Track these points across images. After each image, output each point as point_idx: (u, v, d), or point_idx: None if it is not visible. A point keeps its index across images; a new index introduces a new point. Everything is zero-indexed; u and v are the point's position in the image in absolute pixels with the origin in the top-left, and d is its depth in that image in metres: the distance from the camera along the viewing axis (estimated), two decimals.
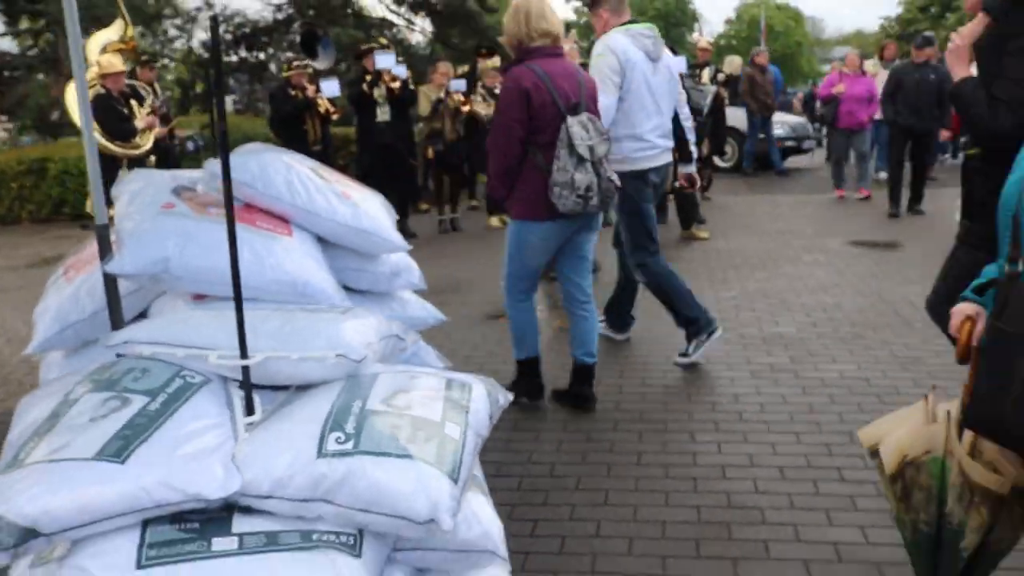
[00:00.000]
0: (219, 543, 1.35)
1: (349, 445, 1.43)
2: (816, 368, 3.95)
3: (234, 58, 15.58)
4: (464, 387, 1.71)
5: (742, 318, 4.79)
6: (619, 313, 4.51)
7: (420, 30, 17.07)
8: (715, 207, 9.04)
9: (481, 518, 1.60)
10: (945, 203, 8.17)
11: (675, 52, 6.25)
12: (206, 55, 15.89)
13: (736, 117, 11.24)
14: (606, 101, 3.62)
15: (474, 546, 1.57)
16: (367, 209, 2.28)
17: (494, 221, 8.76)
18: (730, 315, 4.84)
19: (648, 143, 3.88)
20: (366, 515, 1.39)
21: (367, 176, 6.94)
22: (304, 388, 1.70)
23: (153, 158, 6.59)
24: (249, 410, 1.60)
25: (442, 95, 8.34)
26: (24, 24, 16.06)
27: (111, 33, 5.19)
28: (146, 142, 6.45)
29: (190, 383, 1.61)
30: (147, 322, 1.88)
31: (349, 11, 15.63)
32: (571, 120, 3.17)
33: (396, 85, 7.77)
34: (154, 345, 1.70)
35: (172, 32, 16.65)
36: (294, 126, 7.71)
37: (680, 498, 2.77)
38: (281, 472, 1.40)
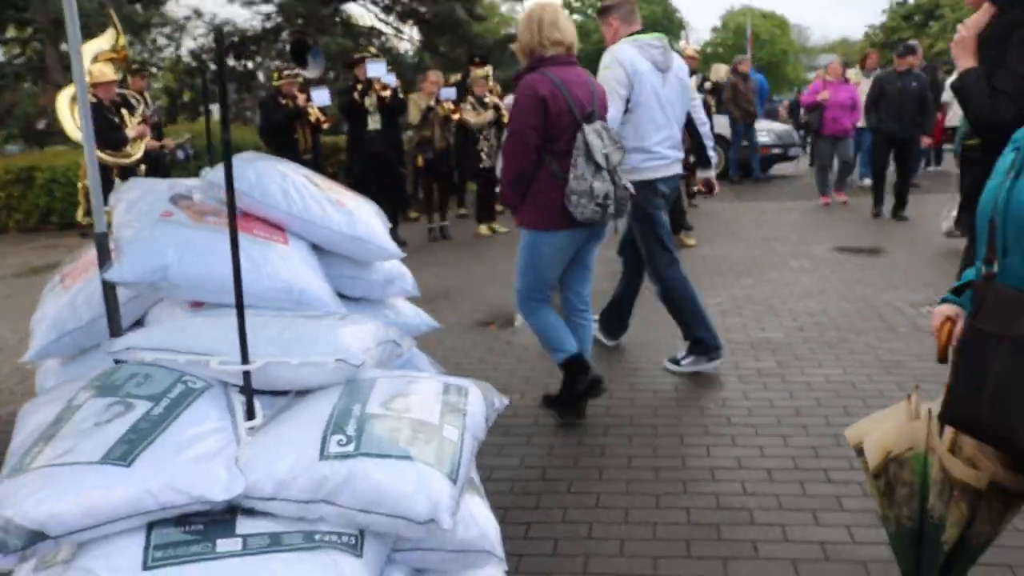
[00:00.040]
0: (223, 544, 1.38)
1: (350, 447, 1.46)
2: (802, 372, 4.01)
3: None
4: (461, 391, 1.75)
5: (729, 324, 4.85)
6: (617, 316, 4.49)
7: (408, 39, 17.14)
8: (702, 214, 9.13)
9: (478, 519, 1.64)
10: (928, 209, 8.30)
11: None
12: (195, 64, 15.88)
13: (722, 125, 11.36)
14: (611, 113, 3.59)
15: (471, 546, 1.61)
16: (361, 217, 2.32)
17: (483, 229, 8.81)
18: (718, 321, 4.88)
19: (656, 154, 3.85)
20: (367, 515, 1.42)
21: (358, 184, 6.97)
22: (303, 393, 1.73)
23: (143, 167, 6.59)
24: (250, 415, 1.63)
25: (432, 103, 8.39)
26: (11, 33, 16.01)
27: (102, 42, 5.20)
28: (137, 151, 6.46)
29: (192, 388, 1.64)
30: (148, 329, 1.91)
31: (338, 20, 15.68)
32: (587, 128, 3.15)
33: (387, 94, 7.81)
34: (156, 351, 1.73)
35: (161, 41, 16.63)
36: (285, 135, 7.73)
37: (670, 500, 2.82)
38: (284, 474, 1.43)
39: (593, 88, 3.33)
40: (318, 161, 7.92)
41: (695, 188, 4.93)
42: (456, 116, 8.46)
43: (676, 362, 4.09)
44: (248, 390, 1.65)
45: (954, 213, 6.58)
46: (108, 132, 6.13)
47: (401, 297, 2.53)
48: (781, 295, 5.54)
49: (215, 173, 2.13)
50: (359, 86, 7.81)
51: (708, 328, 4.01)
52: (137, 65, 9.65)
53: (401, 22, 16.63)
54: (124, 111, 6.62)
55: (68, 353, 2.22)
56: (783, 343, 4.48)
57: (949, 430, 1.68)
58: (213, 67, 14.74)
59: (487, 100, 8.62)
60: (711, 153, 4.39)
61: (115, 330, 2.07)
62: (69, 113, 5.44)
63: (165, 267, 1.94)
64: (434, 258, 7.51)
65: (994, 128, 2.17)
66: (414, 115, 8.45)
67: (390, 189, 7.87)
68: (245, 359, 1.62)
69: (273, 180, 2.18)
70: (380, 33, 16.55)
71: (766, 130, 12.54)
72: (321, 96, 7.85)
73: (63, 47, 13.90)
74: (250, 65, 16.18)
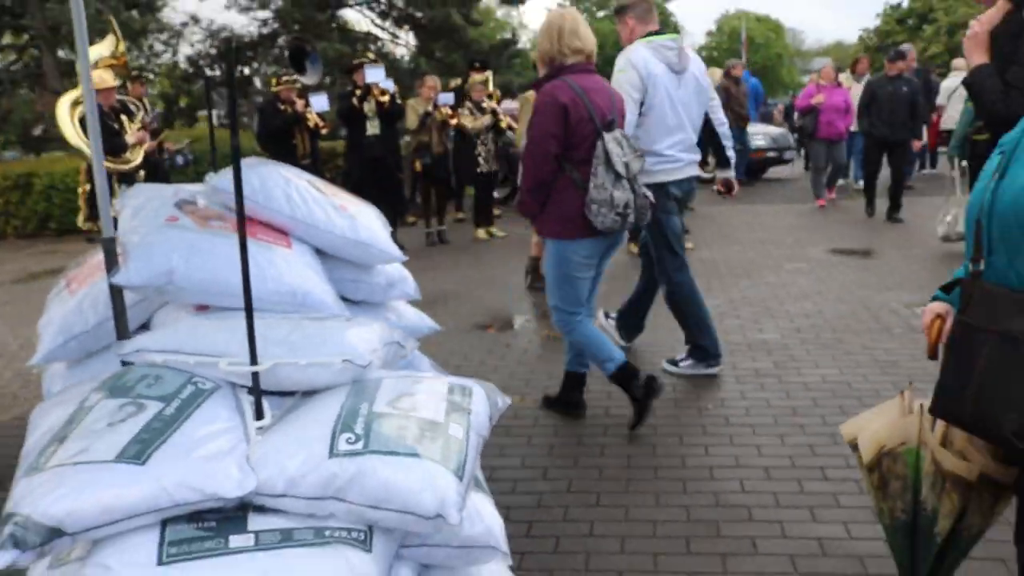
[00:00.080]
0: (236, 540, 1.41)
1: (359, 445, 1.50)
2: (799, 373, 4.06)
3: (219, 72, 15.61)
4: (465, 390, 1.78)
5: (727, 325, 4.90)
6: (634, 315, 4.47)
7: (405, 44, 17.19)
8: (698, 217, 9.18)
9: (483, 515, 1.67)
10: (923, 211, 8.36)
11: None
12: (191, 70, 15.91)
13: None
14: (627, 118, 3.56)
15: (477, 542, 1.64)
16: (364, 221, 2.35)
17: (481, 233, 8.85)
18: (715, 322, 4.93)
19: (667, 157, 3.82)
20: (376, 511, 1.45)
21: (356, 189, 7.00)
22: (310, 393, 1.77)
23: (143, 173, 6.63)
24: (259, 415, 1.66)
25: (430, 108, 8.44)
26: (8, 39, 16.03)
27: (102, 49, 5.23)
28: (136, 157, 6.49)
29: (202, 389, 1.68)
30: (157, 331, 1.94)
31: (334, 25, 15.72)
32: (607, 136, 3.12)
33: (385, 99, 7.85)
34: (165, 353, 1.76)
35: (158, 47, 16.66)
36: (283, 140, 7.78)
37: (670, 498, 2.85)
38: (294, 472, 1.47)
39: (612, 96, 3.30)
40: (316, 166, 7.95)
41: (715, 188, 4.93)
42: (454, 121, 8.52)
43: (675, 363, 4.13)
44: (257, 391, 1.68)
45: (949, 218, 6.63)
46: (108, 138, 6.15)
47: (403, 300, 2.57)
48: (777, 297, 5.59)
49: (219, 178, 2.16)
50: (358, 91, 7.85)
51: (711, 336, 4.03)
52: (136, 71, 9.67)
53: (397, 27, 16.67)
54: (124, 117, 6.66)
55: (75, 357, 2.25)
56: (780, 344, 4.52)
57: (940, 424, 1.72)
58: (210, 73, 14.79)
59: (485, 105, 8.67)
60: (730, 153, 4.33)
61: (122, 333, 2.10)
62: (69, 119, 5.47)
63: (171, 271, 1.97)
64: (432, 262, 7.55)
65: (1006, 123, 2.19)
66: (412, 120, 8.50)
67: (388, 194, 7.91)
68: (254, 360, 1.66)
69: (277, 185, 2.22)
70: (376, 38, 16.61)
71: (761, 133, 12.60)
72: (320, 102, 7.90)
73: (60, 53, 13.92)
74: (247, 71, 16.20)
